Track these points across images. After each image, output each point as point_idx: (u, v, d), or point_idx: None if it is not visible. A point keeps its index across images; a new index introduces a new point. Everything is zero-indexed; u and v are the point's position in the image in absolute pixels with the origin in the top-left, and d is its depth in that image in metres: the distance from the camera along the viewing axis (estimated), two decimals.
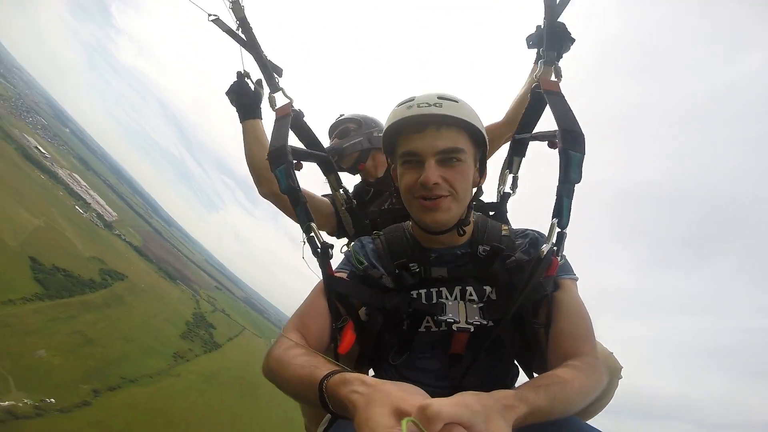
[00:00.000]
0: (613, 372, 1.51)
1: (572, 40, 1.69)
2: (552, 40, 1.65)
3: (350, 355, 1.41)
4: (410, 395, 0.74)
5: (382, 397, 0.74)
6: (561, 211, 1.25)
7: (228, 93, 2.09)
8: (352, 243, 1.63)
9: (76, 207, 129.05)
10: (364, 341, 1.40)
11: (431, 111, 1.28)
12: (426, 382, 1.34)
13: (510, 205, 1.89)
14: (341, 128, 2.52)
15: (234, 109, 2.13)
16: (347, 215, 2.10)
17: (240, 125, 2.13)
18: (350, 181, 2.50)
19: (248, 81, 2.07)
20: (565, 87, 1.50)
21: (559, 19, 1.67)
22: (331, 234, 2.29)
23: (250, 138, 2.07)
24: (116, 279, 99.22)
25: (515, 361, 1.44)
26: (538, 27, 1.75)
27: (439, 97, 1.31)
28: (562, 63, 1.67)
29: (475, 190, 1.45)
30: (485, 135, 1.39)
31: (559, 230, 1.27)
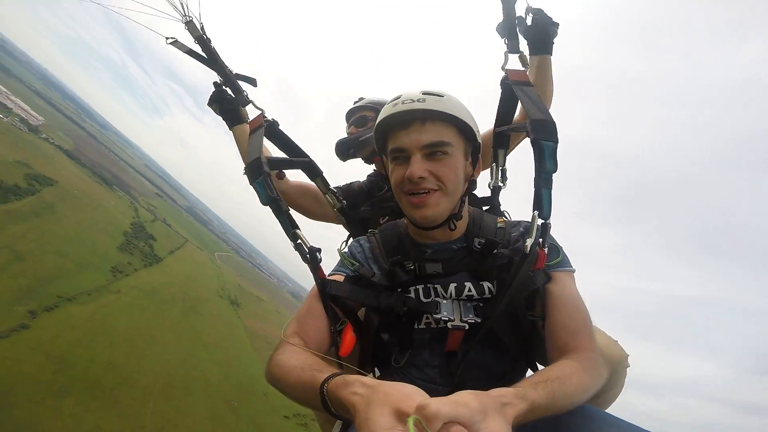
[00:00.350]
0: (618, 361, 1.50)
1: (556, 24, 1.69)
2: (511, 28, 1.63)
3: (352, 358, 1.43)
4: (410, 395, 0.74)
5: (382, 398, 0.75)
6: (541, 203, 1.25)
7: (210, 104, 2.14)
8: (349, 243, 1.66)
9: None
10: (364, 342, 1.41)
11: (414, 106, 1.30)
12: (432, 379, 1.35)
13: (504, 197, 1.85)
14: (358, 116, 2.49)
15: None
16: (340, 216, 2.14)
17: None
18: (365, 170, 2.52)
19: (226, 89, 2.10)
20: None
21: (535, 6, 1.67)
22: (335, 221, 2.28)
23: (242, 142, 2.07)
24: (45, 185, 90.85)
25: (509, 359, 1.42)
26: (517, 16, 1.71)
27: (424, 93, 1.32)
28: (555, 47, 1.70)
29: (467, 184, 1.43)
30: (474, 128, 1.37)
31: (542, 222, 1.26)
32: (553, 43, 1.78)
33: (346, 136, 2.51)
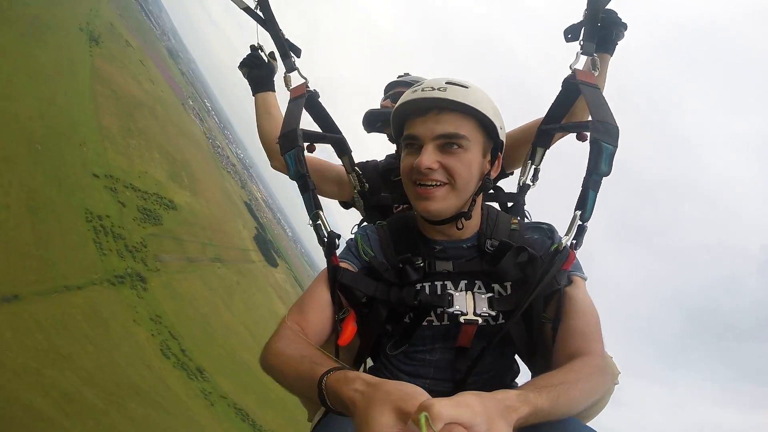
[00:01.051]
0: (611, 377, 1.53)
1: (624, 26, 1.65)
2: (592, 30, 1.55)
3: (350, 348, 1.42)
4: (412, 395, 0.72)
5: (383, 397, 0.73)
6: (585, 204, 1.22)
7: (240, 66, 2.09)
8: (355, 232, 1.62)
9: None
10: (365, 333, 1.40)
11: (434, 95, 1.26)
12: (424, 375, 1.37)
13: (529, 197, 1.82)
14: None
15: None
16: (359, 198, 2.05)
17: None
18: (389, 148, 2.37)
19: (261, 54, 2.05)
20: None
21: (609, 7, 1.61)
22: (346, 201, 2.19)
23: (262, 111, 2.07)
24: None
25: (517, 358, 1.45)
26: (583, 17, 1.61)
27: (447, 82, 1.28)
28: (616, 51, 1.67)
29: (481, 182, 1.38)
30: (497, 124, 1.33)
31: (580, 223, 1.24)
32: (617, 44, 1.68)
33: (378, 107, 2.44)
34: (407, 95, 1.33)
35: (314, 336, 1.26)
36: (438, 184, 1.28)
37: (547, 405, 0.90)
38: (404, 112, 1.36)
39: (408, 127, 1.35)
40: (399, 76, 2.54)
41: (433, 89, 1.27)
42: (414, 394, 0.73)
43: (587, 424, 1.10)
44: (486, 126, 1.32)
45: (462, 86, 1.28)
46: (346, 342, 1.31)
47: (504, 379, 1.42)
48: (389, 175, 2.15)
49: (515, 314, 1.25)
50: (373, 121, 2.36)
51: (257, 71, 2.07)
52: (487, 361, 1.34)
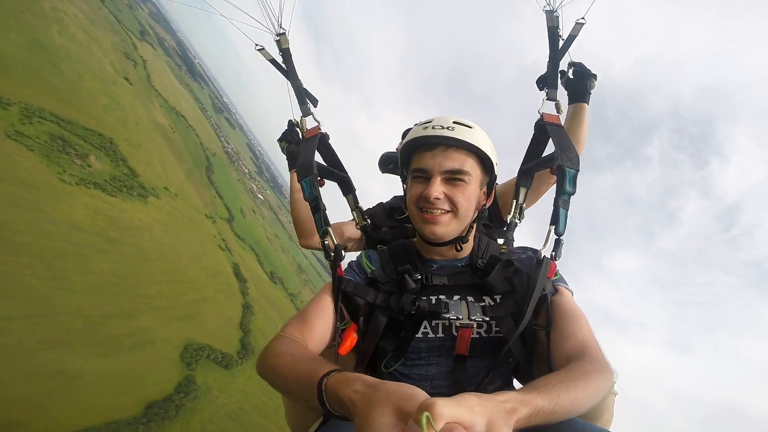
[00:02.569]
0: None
1: (594, 76, 1.91)
2: (554, 79, 1.82)
3: (348, 360, 1.50)
4: (412, 395, 0.74)
5: (383, 397, 0.75)
6: (558, 220, 1.39)
7: (280, 140, 2.22)
8: (358, 254, 1.71)
9: None
10: (364, 345, 1.46)
11: (444, 133, 1.40)
12: (423, 389, 1.30)
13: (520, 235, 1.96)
14: None
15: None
16: (361, 235, 2.18)
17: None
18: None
19: (297, 129, 2.18)
20: None
21: (575, 60, 1.91)
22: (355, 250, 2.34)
23: (297, 190, 2.12)
24: None
25: (509, 367, 1.49)
26: (546, 68, 1.89)
27: (454, 122, 1.43)
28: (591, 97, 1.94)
29: (477, 211, 1.54)
30: (494, 161, 1.49)
31: (557, 237, 1.40)
32: (590, 93, 1.93)
33: (393, 150, 2.62)
34: (418, 131, 1.48)
35: (314, 344, 1.33)
36: (443, 212, 1.43)
37: (548, 405, 0.91)
38: (414, 146, 1.50)
39: (417, 160, 1.49)
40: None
41: (443, 128, 1.42)
42: (414, 394, 0.74)
43: None
44: (485, 162, 1.49)
45: (467, 126, 1.44)
46: (347, 351, 1.38)
47: (499, 387, 1.46)
48: (394, 213, 2.35)
49: (523, 316, 1.31)
50: (386, 162, 2.61)
51: (296, 147, 2.18)
52: (484, 369, 1.40)
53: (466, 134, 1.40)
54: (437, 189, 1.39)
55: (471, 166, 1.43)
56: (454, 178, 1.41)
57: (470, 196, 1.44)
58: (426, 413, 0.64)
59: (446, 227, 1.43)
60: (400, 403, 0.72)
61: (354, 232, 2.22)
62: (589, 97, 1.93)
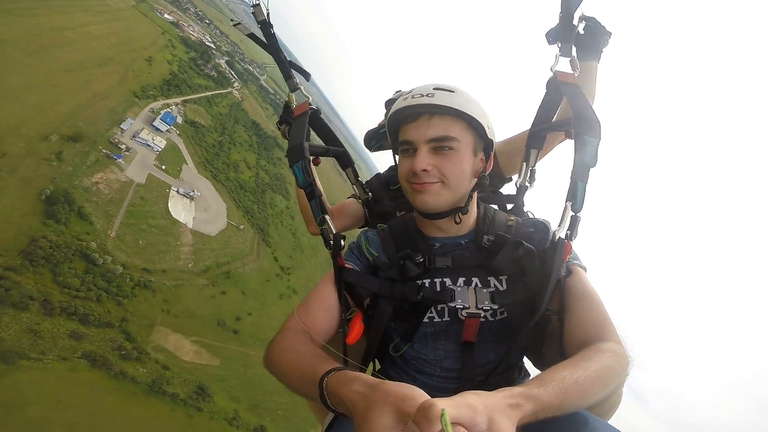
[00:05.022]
0: None
1: (609, 34, 1.72)
2: (568, 33, 1.59)
3: (358, 349, 1.47)
4: (411, 396, 0.72)
5: (383, 398, 0.74)
6: (575, 195, 1.26)
7: (279, 123, 2.04)
8: (358, 235, 1.64)
9: None
10: (371, 333, 1.43)
11: (423, 101, 1.33)
12: (431, 373, 1.38)
13: (530, 198, 1.87)
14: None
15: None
16: (364, 209, 2.16)
17: None
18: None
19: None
20: None
21: (589, 14, 1.68)
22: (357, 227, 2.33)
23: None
24: None
25: (522, 352, 1.46)
26: (558, 20, 1.67)
27: (434, 88, 1.35)
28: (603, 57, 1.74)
29: (476, 179, 1.44)
30: (485, 124, 1.39)
31: (573, 214, 1.27)
32: (602, 51, 1.77)
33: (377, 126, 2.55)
34: (398, 103, 1.40)
35: (320, 335, 1.30)
36: (432, 182, 1.35)
37: (555, 400, 0.87)
38: (397, 120, 1.43)
39: (402, 133, 1.42)
40: (394, 93, 2.56)
41: (423, 96, 1.34)
42: (414, 395, 0.73)
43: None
44: (474, 126, 1.38)
45: (448, 90, 1.35)
46: (354, 340, 1.34)
47: (512, 375, 1.42)
48: (390, 184, 2.27)
49: (541, 302, 1.22)
50: (368, 142, 2.50)
51: None
52: (495, 354, 1.37)
53: (446, 99, 1.31)
54: (423, 160, 1.32)
55: (458, 131, 1.34)
56: (440, 146, 1.33)
57: (461, 163, 1.35)
58: (444, 410, 0.63)
59: (437, 197, 1.35)
60: (400, 404, 0.71)
61: (357, 208, 2.15)
62: (599, 56, 1.76)
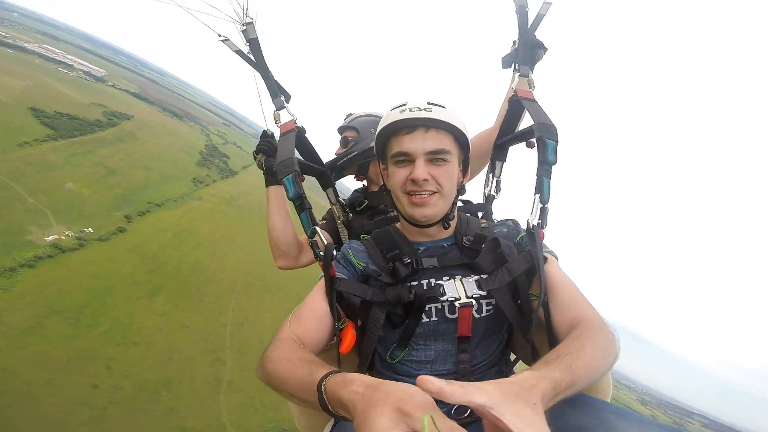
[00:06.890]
0: None
1: (545, 49, 1.85)
2: (525, 56, 1.79)
3: (350, 360, 1.50)
4: (412, 395, 0.73)
5: (383, 398, 0.74)
6: (542, 188, 1.42)
7: (256, 153, 2.13)
8: (342, 247, 1.69)
9: (59, 69, 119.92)
10: (365, 342, 1.46)
11: (422, 115, 1.42)
12: (424, 373, 1.37)
13: (495, 207, 2.01)
14: (342, 137, 2.55)
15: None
16: (343, 228, 2.21)
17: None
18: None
19: (272, 141, 2.12)
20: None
21: (538, 39, 1.83)
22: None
23: (276, 205, 2.10)
24: (122, 119, 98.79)
25: (513, 349, 1.57)
26: (513, 44, 1.86)
27: (429, 103, 1.45)
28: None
29: (458, 189, 1.56)
30: (468, 138, 1.52)
31: (542, 205, 1.43)
32: (536, 63, 1.88)
33: (335, 156, 2.54)
34: (394, 116, 1.45)
35: (312, 346, 1.31)
36: (430, 193, 1.43)
37: (566, 377, 0.89)
38: (391, 131, 1.48)
39: (396, 144, 1.47)
40: (345, 117, 2.61)
41: (420, 109, 1.42)
42: (414, 394, 0.73)
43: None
44: (461, 141, 1.49)
45: (442, 106, 1.44)
46: (347, 350, 1.37)
47: (502, 369, 1.48)
48: (354, 207, 2.38)
49: (541, 299, 1.30)
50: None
51: (273, 160, 1.96)
52: (487, 356, 1.44)
53: (443, 114, 1.42)
54: (423, 171, 1.40)
55: (450, 145, 1.45)
56: (436, 158, 1.42)
57: (452, 174, 1.46)
58: (429, 414, 0.63)
59: (435, 208, 1.45)
60: (400, 404, 0.71)
61: (327, 237, 2.16)
62: (533, 67, 1.88)
